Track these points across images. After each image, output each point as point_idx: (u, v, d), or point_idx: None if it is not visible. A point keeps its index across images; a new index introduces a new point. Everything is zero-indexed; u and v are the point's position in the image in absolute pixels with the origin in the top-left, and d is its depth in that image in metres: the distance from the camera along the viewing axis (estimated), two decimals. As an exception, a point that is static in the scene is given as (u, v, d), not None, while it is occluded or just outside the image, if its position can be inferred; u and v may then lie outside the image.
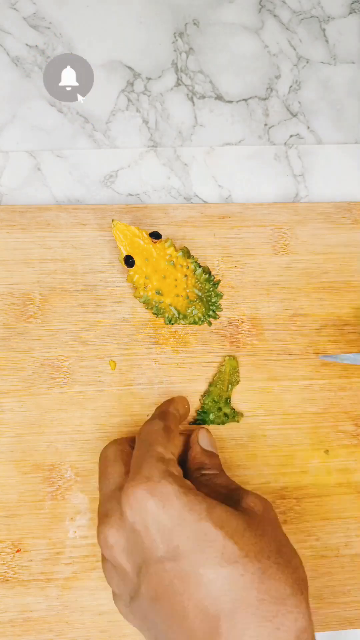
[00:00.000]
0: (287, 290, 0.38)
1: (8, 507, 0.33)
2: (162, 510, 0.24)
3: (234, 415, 0.35)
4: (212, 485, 0.30)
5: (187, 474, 0.31)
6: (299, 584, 0.24)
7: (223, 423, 0.35)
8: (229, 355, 0.36)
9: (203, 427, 0.34)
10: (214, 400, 0.35)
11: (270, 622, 0.23)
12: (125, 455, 0.29)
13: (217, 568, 0.23)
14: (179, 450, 0.32)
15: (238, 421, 0.35)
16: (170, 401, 0.34)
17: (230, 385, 0.36)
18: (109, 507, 0.26)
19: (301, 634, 0.23)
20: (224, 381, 0.35)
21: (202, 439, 0.33)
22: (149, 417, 0.32)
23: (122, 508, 0.25)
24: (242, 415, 0.35)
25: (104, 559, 0.27)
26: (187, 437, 0.33)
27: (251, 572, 0.23)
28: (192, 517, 0.24)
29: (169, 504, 0.24)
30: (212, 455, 0.32)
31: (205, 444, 0.32)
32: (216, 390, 0.35)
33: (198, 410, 0.35)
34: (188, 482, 0.27)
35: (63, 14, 0.41)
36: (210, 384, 0.36)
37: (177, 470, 0.27)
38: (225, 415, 0.35)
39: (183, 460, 0.32)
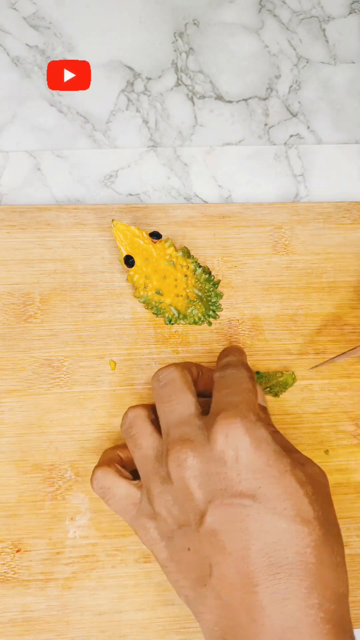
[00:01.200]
0: (287, 290, 0.38)
1: (8, 507, 0.33)
2: (254, 449, 0.25)
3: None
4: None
5: None
6: (343, 554, 0.27)
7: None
8: (292, 372, 0.36)
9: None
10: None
11: (323, 581, 0.25)
12: (192, 386, 0.29)
13: (290, 522, 0.25)
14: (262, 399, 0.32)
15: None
16: (229, 348, 0.33)
17: (272, 390, 0.35)
18: (188, 431, 0.27)
19: (342, 597, 0.25)
20: (272, 381, 0.35)
21: (258, 392, 0.32)
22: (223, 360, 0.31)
23: (212, 435, 0.25)
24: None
25: (168, 480, 0.27)
26: None
27: (317, 534, 0.25)
28: (279, 467, 0.25)
29: (262, 447, 0.25)
30: (265, 410, 0.32)
31: (260, 398, 0.32)
32: (263, 380, 0.35)
33: None
34: (274, 429, 0.28)
35: (63, 14, 0.41)
36: (261, 375, 0.35)
37: (270, 421, 0.28)
38: None
39: None
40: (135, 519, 0.29)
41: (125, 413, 0.31)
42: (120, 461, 0.31)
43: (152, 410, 0.30)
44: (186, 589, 0.27)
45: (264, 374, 0.35)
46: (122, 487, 0.29)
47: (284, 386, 0.35)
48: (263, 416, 0.27)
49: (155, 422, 0.30)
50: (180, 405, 0.28)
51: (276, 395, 0.35)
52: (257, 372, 0.35)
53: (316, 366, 0.36)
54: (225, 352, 0.33)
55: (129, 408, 0.31)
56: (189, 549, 0.26)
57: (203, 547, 0.26)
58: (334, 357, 0.35)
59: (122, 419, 0.31)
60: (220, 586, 0.25)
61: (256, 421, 0.26)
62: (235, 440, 0.25)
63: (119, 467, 0.30)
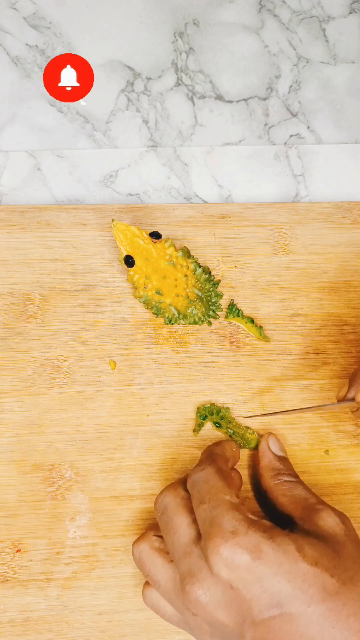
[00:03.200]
0: (287, 290, 0.38)
1: (8, 507, 0.33)
2: (257, 562, 0.24)
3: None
4: (291, 496, 0.30)
5: (260, 483, 0.31)
6: None
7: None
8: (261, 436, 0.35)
9: (272, 434, 0.33)
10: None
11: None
12: (185, 502, 0.28)
13: (321, 604, 0.24)
14: (240, 487, 0.31)
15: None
16: (215, 443, 0.32)
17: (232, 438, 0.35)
18: (191, 564, 0.26)
19: None
20: (239, 431, 0.35)
21: (273, 444, 0.32)
22: (195, 464, 0.31)
23: (212, 566, 0.25)
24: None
25: (192, 616, 0.26)
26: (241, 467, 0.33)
27: (352, 599, 0.25)
28: (288, 560, 0.25)
29: (262, 554, 0.25)
30: (285, 460, 0.32)
31: (276, 450, 0.32)
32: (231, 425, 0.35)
33: None
34: (266, 522, 0.27)
35: (63, 14, 0.41)
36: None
37: (251, 513, 0.27)
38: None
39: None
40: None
41: (132, 550, 0.30)
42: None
43: (155, 535, 0.30)
44: None
45: (234, 424, 0.35)
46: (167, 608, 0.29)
47: (245, 444, 0.35)
48: (249, 515, 0.26)
49: (162, 548, 0.29)
50: (177, 534, 0.27)
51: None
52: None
53: (252, 416, 0.35)
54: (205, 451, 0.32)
55: (134, 544, 0.30)
56: None
57: None
58: (275, 412, 0.35)
59: (132, 554, 0.30)
60: None
61: (246, 531, 0.25)
62: (234, 565, 0.24)
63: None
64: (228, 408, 0.35)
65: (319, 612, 0.24)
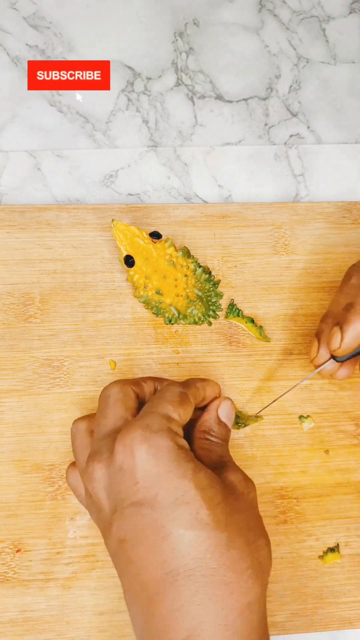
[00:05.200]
0: (287, 290, 0.38)
1: (8, 507, 0.33)
2: (151, 457, 0.25)
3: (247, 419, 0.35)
4: (209, 451, 0.30)
5: (191, 433, 0.31)
6: (259, 564, 0.26)
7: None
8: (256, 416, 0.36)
9: (228, 398, 0.33)
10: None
11: (225, 586, 0.24)
12: (127, 399, 0.29)
13: (186, 527, 0.24)
14: (188, 417, 0.30)
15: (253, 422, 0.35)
16: (200, 379, 0.33)
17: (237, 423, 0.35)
18: (102, 445, 0.27)
19: (249, 605, 0.25)
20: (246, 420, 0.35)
21: (223, 408, 0.32)
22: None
23: (115, 446, 0.26)
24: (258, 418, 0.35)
25: (87, 492, 0.27)
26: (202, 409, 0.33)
27: (217, 538, 0.25)
28: (177, 473, 0.25)
29: (159, 455, 0.25)
30: (224, 426, 0.32)
31: (223, 415, 0.32)
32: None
33: None
34: (184, 441, 0.27)
35: (63, 14, 0.41)
36: None
37: (178, 431, 0.27)
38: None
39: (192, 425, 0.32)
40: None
41: (72, 426, 0.31)
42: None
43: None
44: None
45: (242, 416, 0.35)
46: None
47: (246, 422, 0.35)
48: (174, 427, 0.27)
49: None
50: (105, 421, 0.28)
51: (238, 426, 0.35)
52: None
53: (263, 409, 0.35)
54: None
55: (75, 420, 0.31)
56: (113, 555, 0.26)
57: (116, 557, 0.26)
58: (280, 396, 0.35)
59: (71, 431, 0.31)
60: (129, 598, 0.26)
61: (157, 431, 0.26)
62: (131, 449, 0.25)
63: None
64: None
65: (180, 533, 0.24)
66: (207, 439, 0.30)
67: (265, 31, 0.43)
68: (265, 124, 0.42)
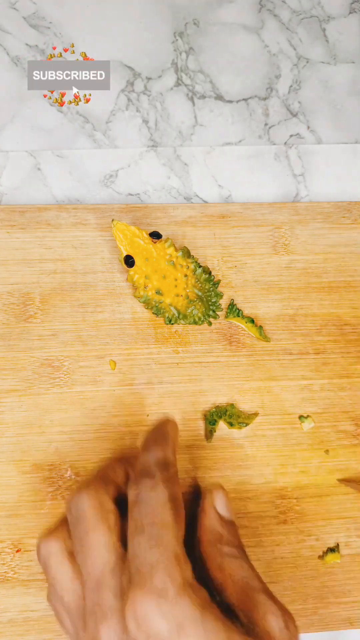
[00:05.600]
0: (287, 290, 0.38)
1: (8, 507, 0.33)
2: (174, 635, 0.20)
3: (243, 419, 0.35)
4: (229, 573, 0.25)
5: (193, 545, 0.26)
6: None
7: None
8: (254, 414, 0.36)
9: (219, 487, 0.28)
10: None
11: None
12: (106, 515, 0.23)
13: None
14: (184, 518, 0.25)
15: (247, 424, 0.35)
16: (163, 445, 0.26)
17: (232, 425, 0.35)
18: (102, 599, 0.22)
19: None
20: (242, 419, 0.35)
21: (219, 502, 0.27)
22: (142, 443, 0.27)
23: (125, 615, 0.21)
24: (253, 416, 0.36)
25: None
26: (193, 495, 0.29)
27: None
28: None
29: (184, 633, 0.20)
30: (230, 524, 0.27)
31: (222, 509, 0.27)
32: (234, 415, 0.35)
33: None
34: (204, 593, 0.22)
35: (63, 14, 0.41)
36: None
37: (191, 572, 0.22)
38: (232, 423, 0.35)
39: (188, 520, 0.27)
40: None
41: (37, 545, 0.24)
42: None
43: (69, 536, 0.25)
44: None
45: (243, 417, 0.35)
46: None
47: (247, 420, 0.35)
48: (189, 576, 0.21)
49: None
50: (92, 555, 0.23)
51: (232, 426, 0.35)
52: (231, 404, 0.35)
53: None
54: (147, 442, 0.26)
55: (42, 540, 0.24)
56: None
57: None
58: None
59: (37, 551, 0.25)
60: None
61: (176, 598, 0.20)
62: (147, 628, 0.20)
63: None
64: (233, 404, 0.35)
65: None
66: (221, 554, 0.25)
67: (265, 31, 0.43)
68: (265, 124, 0.42)
